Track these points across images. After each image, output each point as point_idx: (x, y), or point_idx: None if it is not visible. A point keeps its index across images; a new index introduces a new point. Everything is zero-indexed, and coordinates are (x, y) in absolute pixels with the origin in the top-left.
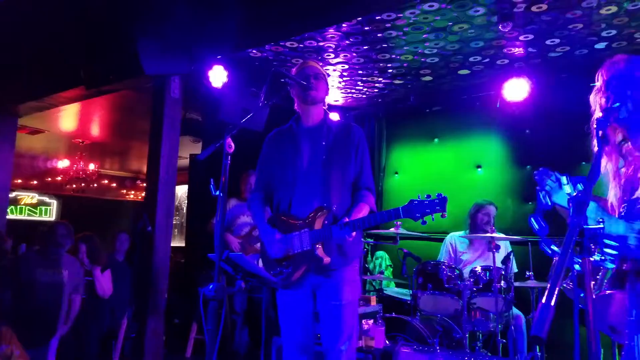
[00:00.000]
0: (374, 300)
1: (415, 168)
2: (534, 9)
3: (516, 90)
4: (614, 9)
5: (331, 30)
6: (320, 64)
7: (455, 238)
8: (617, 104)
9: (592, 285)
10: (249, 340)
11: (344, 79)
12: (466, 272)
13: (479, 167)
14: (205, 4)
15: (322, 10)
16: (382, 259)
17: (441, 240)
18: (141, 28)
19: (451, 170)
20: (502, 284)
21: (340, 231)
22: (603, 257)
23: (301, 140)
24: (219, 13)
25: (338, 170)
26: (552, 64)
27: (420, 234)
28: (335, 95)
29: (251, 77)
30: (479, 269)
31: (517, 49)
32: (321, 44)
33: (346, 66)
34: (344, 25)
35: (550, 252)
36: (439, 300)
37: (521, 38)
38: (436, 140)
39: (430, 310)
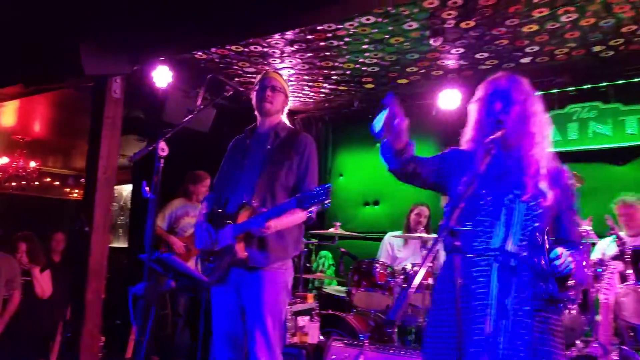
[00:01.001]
0: (310, 297)
1: (358, 171)
2: (462, 25)
3: (450, 100)
4: (535, 27)
5: (276, 37)
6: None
7: (392, 237)
8: (498, 124)
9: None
10: (190, 341)
11: (291, 83)
12: (399, 269)
13: None
14: (150, 6)
15: (266, 18)
16: (325, 259)
17: (381, 239)
18: (83, 28)
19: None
20: (429, 281)
21: (253, 221)
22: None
23: (251, 145)
24: (163, 15)
25: (276, 174)
26: (482, 76)
27: (360, 234)
28: None
29: (197, 78)
30: (409, 266)
31: (449, 62)
32: (266, 49)
33: (292, 71)
34: (288, 32)
35: None
36: (372, 296)
37: (453, 51)
38: (378, 144)
39: (364, 306)
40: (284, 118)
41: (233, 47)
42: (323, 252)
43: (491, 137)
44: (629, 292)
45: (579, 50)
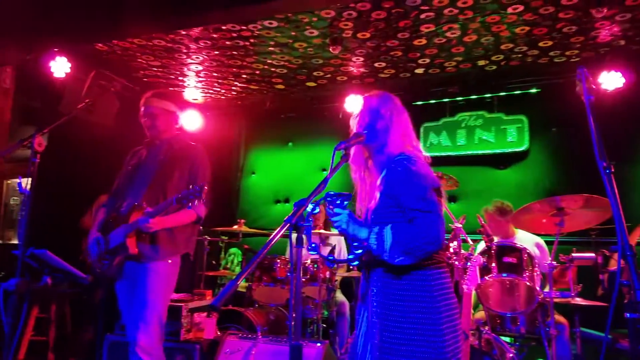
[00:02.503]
0: (209, 294)
1: (270, 169)
2: (359, 35)
3: (355, 104)
4: (424, 41)
5: (182, 32)
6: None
7: None
8: (366, 132)
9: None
10: (90, 338)
11: (200, 79)
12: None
13: (324, 169)
14: None
15: (166, 14)
16: (235, 256)
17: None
18: None
19: (302, 172)
20: (326, 274)
21: (141, 220)
22: (352, 256)
23: (146, 155)
24: (58, 3)
25: (167, 180)
26: (382, 84)
27: (269, 231)
28: (195, 94)
29: (98, 69)
30: (308, 261)
31: (352, 69)
32: (170, 45)
33: (200, 67)
34: (192, 30)
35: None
36: (273, 291)
37: (354, 60)
38: (290, 144)
39: (264, 300)
40: (181, 119)
41: (136, 41)
42: (233, 250)
43: (347, 140)
44: (494, 284)
45: (466, 64)
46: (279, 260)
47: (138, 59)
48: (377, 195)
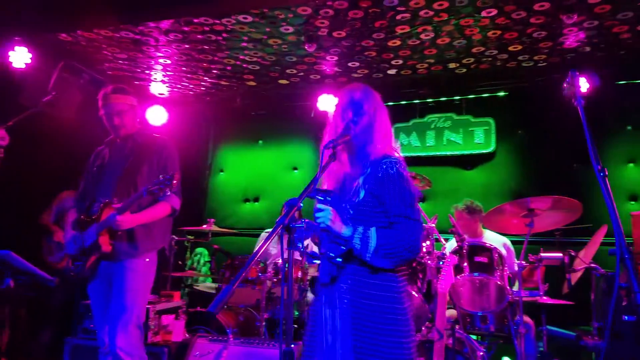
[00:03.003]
0: (177, 296)
1: (240, 167)
2: (334, 34)
3: (327, 103)
4: (398, 42)
5: (151, 25)
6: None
7: (267, 233)
8: (352, 130)
9: None
10: (47, 341)
11: (168, 73)
12: (270, 264)
13: (295, 168)
14: None
15: (136, 5)
16: (201, 256)
17: (258, 235)
18: None
19: (272, 171)
20: (298, 274)
21: (110, 217)
22: (333, 254)
23: (110, 153)
24: None
25: (136, 174)
26: None
27: (238, 231)
28: (161, 88)
29: (61, 60)
30: (279, 260)
31: (326, 67)
32: (138, 37)
33: (168, 61)
34: (163, 22)
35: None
36: (243, 292)
37: (328, 58)
38: (260, 142)
39: (234, 302)
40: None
41: (102, 32)
42: (199, 249)
43: (335, 139)
44: (465, 283)
45: (437, 66)
46: (250, 261)
47: (103, 51)
48: (362, 192)
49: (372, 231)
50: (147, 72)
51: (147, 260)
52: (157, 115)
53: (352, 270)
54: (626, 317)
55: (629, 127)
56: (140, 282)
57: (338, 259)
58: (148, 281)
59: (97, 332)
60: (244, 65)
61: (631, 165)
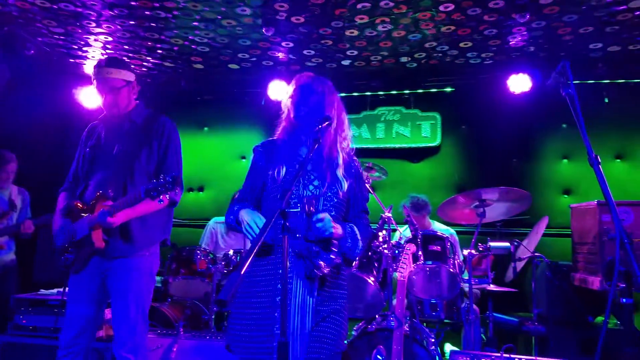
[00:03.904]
0: None
1: (183, 154)
2: (293, 19)
3: (278, 91)
4: (356, 32)
5: None
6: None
7: (217, 224)
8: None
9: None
10: None
11: (108, 51)
12: (220, 256)
13: (243, 157)
14: None
15: None
16: None
17: (202, 226)
18: None
19: (218, 159)
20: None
21: (100, 215)
22: (333, 256)
23: (104, 133)
24: None
25: (133, 160)
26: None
27: (182, 221)
28: None
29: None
30: (231, 252)
31: (280, 54)
32: (80, 9)
33: (110, 38)
34: None
35: None
36: (191, 284)
37: (283, 44)
38: (206, 128)
39: (181, 295)
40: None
41: (37, 2)
42: None
43: (320, 126)
44: (419, 271)
45: (390, 59)
46: (199, 252)
47: (37, 24)
48: (346, 186)
49: (356, 229)
50: (84, 49)
51: (147, 255)
52: (91, 97)
53: (329, 262)
54: (624, 300)
55: (564, 125)
56: (143, 281)
57: (321, 262)
58: (151, 277)
59: (62, 329)
60: (193, 47)
61: (565, 161)
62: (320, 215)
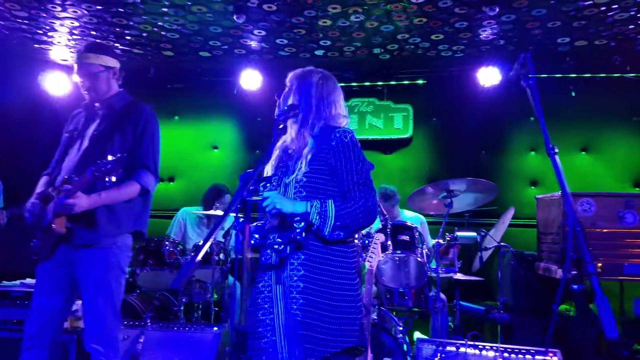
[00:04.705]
0: None
1: None
2: (265, 7)
3: (250, 80)
4: (329, 22)
5: None
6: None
7: (187, 214)
8: (296, 104)
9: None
10: None
11: (74, 37)
12: (190, 247)
13: (215, 147)
14: None
15: None
16: None
17: (172, 217)
18: None
19: (189, 149)
20: (220, 257)
21: (60, 198)
22: (298, 229)
23: (84, 119)
24: None
25: (106, 146)
26: (281, 62)
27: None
28: (64, 54)
29: None
30: (200, 242)
31: (252, 42)
32: None
33: (76, 23)
34: None
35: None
36: (160, 275)
37: (255, 32)
38: (177, 117)
39: (149, 286)
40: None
41: None
42: None
43: (283, 116)
44: (388, 260)
45: (363, 50)
46: (167, 243)
47: None
48: (304, 164)
49: (330, 204)
50: (49, 34)
51: (114, 247)
52: (57, 84)
53: (305, 245)
54: (575, 287)
55: (532, 119)
56: (111, 274)
57: (302, 236)
58: (120, 270)
59: (27, 321)
60: (162, 33)
61: (532, 153)
62: (267, 194)
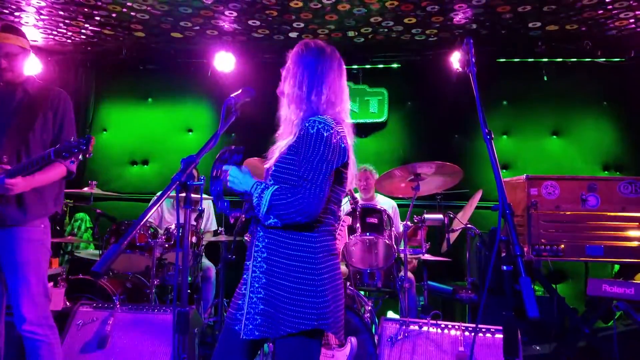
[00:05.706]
0: (55, 263)
1: (126, 126)
2: None
3: (224, 62)
4: (300, 4)
5: None
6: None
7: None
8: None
9: None
10: None
11: (43, 17)
12: (162, 231)
13: (190, 130)
14: None
15: None
16: (82, 221)
17: (147, 200)
18: None
19: (164, 132)
20: (193, 239)
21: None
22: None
23: None
24: None
25: (28, 130)
26: (256, 44)
27: (124, 195)
28: (33, 34)
29: None
30: (173, 226)
31: (224, 24)
32: None
33: (43, 3)
34: None
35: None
36: (131, 258)
37: (227, 13)
38: (150, 99)
39: (121, 269)
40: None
41: None
42: (79, 215)
43: (234, 98)
44: (357, 242)
45: (337, 33)
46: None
47: None
48: (277, 153)
49: (269, 190)
50: (16, 14)
51: (42, 226)
52: (28, 65)
53: (269, 229)
54: (505, 267)
55: (505, 102)
56: (40, 251)
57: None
58: (47, 248)
59: None
60: (132, 14)
61: (505, 137)
62: (225, 167)
